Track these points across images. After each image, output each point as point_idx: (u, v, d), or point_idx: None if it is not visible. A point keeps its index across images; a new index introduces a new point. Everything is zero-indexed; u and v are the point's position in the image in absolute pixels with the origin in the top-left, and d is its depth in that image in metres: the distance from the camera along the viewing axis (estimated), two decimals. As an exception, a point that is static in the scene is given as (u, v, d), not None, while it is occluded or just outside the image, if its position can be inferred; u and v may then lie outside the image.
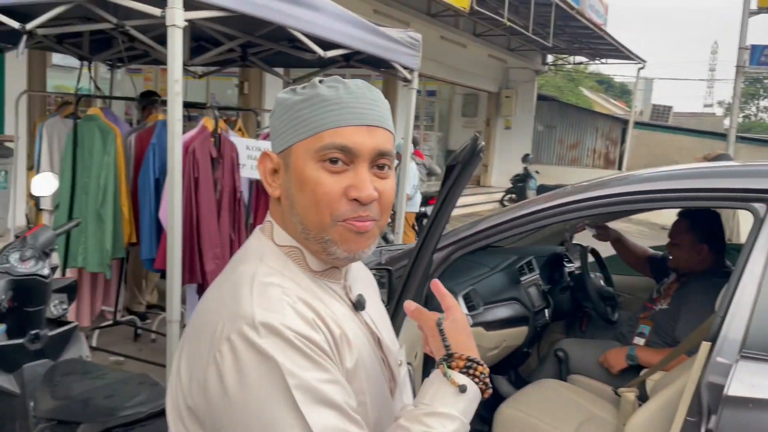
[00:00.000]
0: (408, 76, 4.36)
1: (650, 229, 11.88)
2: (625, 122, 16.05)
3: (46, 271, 2.31)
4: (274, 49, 4.45)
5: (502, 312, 2.66)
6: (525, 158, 13.79)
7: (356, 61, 4.59)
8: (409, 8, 11.39)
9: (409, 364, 1.71)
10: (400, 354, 1.06)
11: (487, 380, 0.90)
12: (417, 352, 2.05)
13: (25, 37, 3.11)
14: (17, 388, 2.34)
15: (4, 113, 6.14)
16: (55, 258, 3.80)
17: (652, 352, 2.53)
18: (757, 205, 1.90)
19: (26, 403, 2.33)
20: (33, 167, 3.92)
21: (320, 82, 0.91)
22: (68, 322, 2.51)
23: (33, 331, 2.33)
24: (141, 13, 2.88)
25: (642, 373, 2.47)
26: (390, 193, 0.91)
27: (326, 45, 3.73)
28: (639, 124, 16.80)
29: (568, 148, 17.32)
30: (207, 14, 2.89)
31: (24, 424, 2.32)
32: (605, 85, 37.64)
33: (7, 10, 3.13)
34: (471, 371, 0.89)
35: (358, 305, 0.97)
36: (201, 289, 3.44)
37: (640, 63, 14.81)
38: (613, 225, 3.33)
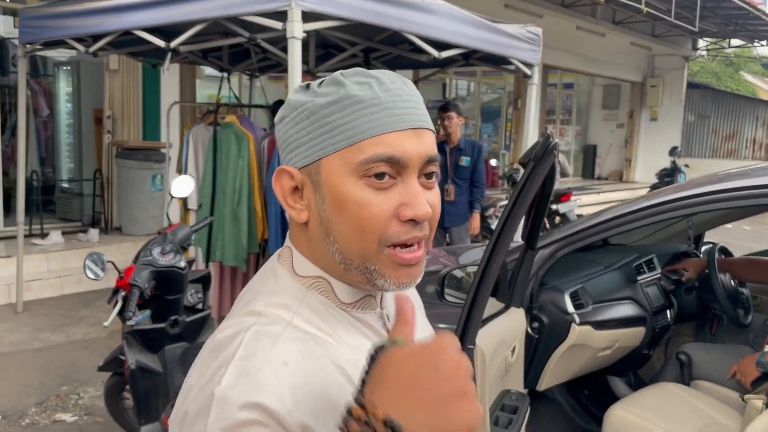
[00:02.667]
0: (527, 71, 4.31)
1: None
2: (792, 108, 14.49)
3: (182, 264, 2.60)
4: (394, 52, 4.60)
5: (615, 311, 2.58)
6: (672, 151, 12.85)
7: (475, 59, 4.62)
8: (542, 0, 11.11)
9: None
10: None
11: None
12: (515, 345, 2.06)
13: (170, 54, 3.50)
14: (160, 367, 2.65)
15: (160, 123, 6.85)
16: (195, 252, 4.21)
17: None
18: None
19: (167, 381, 2.64)
20: (181, 171, 4.37)
21: (343, 76, 0.76)
22: (202, 310, 2.80)
23: (173, 317, 2.63)
24: (268, 27, 3.14)
25: (772, 379, 2.28)
26: (439, 206, 0.78)
27: (443, 46, 3.80)
28: (808, 110, 15.08)
29: (724, 139, 15.92)
30: (324, 25, 3.08)
31: (164, 399, 2.63)
32: (772, 68, 34.00)
33: (156, 30, 3.54)
34: None
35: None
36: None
37: (808, 42, 13.27)
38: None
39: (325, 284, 0.78)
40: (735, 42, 15.53)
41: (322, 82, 0.77)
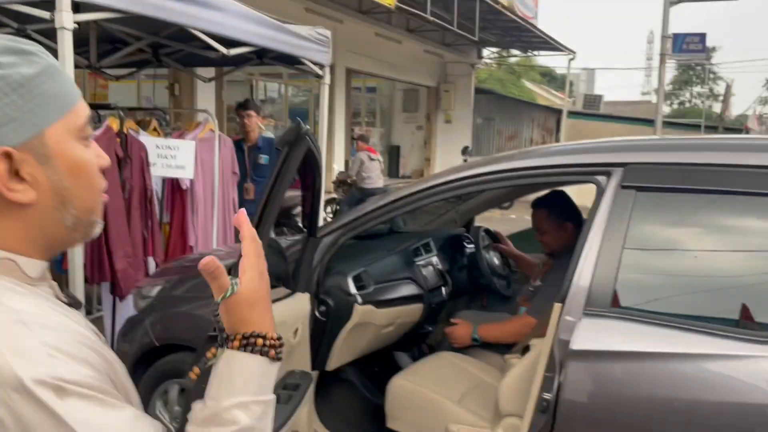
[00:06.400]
0: (319, 71, 4.48)
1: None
2: (560, 112, 16.57)
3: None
4: (185, 49, 4.51)
5: (395, 291, 2.81)
6: (465, 150, 14.10)
7: (269, 58, 4.68)
8: (341, 6, 11.50)
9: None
10: None
11: (275, 343, 0.80)
12: (298, 328, 2.18)
13: None
14: None
15: None
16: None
17: (490, 327, 2.74)
18: (599, 178, 2.09)
19: None
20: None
21: (19, 44, 0.74)
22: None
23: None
24: (39, 19, 2.92)
25: (522, 339, 2.65)
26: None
27: (233, 44, 3.82)
28: (573, 114, 17.35)
29: (507, 139, 17.75)
30: (98, 16, 2.94)
31: None
32: (548, 77, 38.47)
33: None
34: (249, 347, 0.79)
35: (76, 303, 0.83)
36: (113, 288, 3.49)
37: (569, 54, 15.30)
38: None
39: (11, 264, 0.75)
40: (515, 52, 17.37)
41: (13, 54, 0.73)
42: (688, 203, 2.01)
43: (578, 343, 1.91)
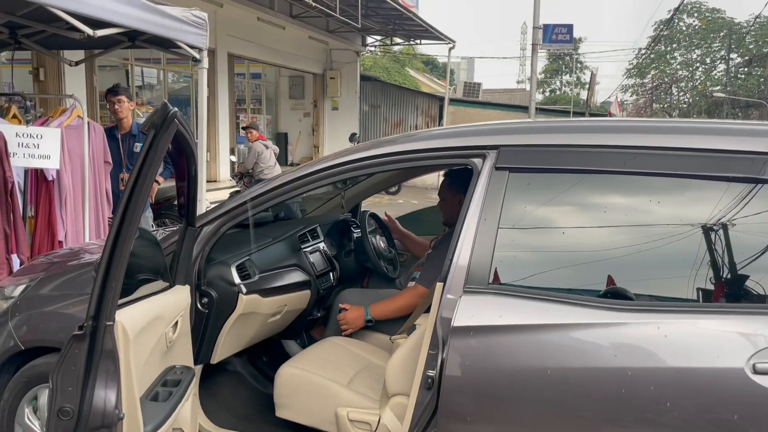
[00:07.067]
0: (196, 55, 4.30)
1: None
2: (442, 99, 17.03)
3: None
4: (48, 30, 4.18)
5: (281, 278, 2.77)
6: (352, 137, 14.11)
7: (142, 41, 4.44)
8: (220, -11, 11.11)
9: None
10: None
11: None
12: (177, 321, 2.08)
13: None
14: None
15: None
16: None
17: (382, 304, 2.79)
18: (475, 160, 2.16)
19: None
20: None
21: None
22: None
23: None
24: None
25: (409, 318, 2.71)
26: None
27: (101, 25, 3.58)
28: (454, 101, 17.89)
29: (393, 126, 18.00)
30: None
31: None
32: (430, 65, 39.34)
33: None
34: None
35: None
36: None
37: (450, 43, 15.71)
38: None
39: None
40: (397, 40, 17.60)
41: None
42: (556, 182, 2.13)
43: (459, 319, 1.97)
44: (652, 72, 35.86)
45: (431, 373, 1.98)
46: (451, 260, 2.06)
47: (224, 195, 9.01)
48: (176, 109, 1.28)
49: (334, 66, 16.72)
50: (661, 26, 32.91)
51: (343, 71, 16.67)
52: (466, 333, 1.97)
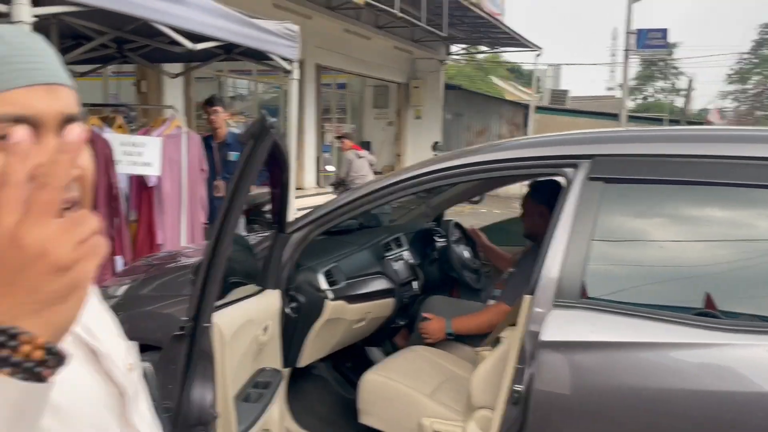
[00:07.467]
0: (288, 67, 4.44)
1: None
2: (527, 107, 16.75)
3: None
4: (152, 44, 4.43)
5: (366, 286, 2.80)
6: (435, 146, 14.12)
7: (237, 53, 4.63)
8: (309, 1, 11.42)
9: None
10: (129, 357, 0.84)
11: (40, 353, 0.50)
12: (268, 325, 2.15)
13: None
14: None
15: None
16: None
17: (464, 318, 2.75)
18: (567, 170, 2.11)
19: None
20: None
21: None
22: None
23: None
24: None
25: (494, 331, 2.67)
26: (92, 168, 0.70)
27: (199, 39, 3.76)
28: (540, 109, 17.56)
29: (476, 135, 17.87)
30: (58, 9, 2.87)
31: None
32: (515, 73, 38.81)
33: None
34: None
35: None
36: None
37: (536, 50, 15.44)
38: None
39: None
40: (482, 48, 17.50)
41: None
42: (654, 194, 2.04)
43: (548, 334, 1.92)
44: (755, 77, 33.81)
45: (518, 387, 1.94)
46: (540, 273, 2.01)
47: (311, 201, 9.20)
48: (274, 119, 1.32)
49: (418, 75, 16.79)
50: (766, 29, 30.98)
51: (426, 80, 16.72)
52: (555, 348, 1.92)
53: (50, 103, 0.66)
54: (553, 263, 2.00)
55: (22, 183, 0.50)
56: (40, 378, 0.49)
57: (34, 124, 0.64)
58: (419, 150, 16.06)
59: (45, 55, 0.68)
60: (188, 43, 3.60)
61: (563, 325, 1.93)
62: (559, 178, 2.19)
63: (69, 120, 0.67)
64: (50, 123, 0.65)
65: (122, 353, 0.82)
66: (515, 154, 2.28)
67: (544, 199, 2.80)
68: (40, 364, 0.49)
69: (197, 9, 3.55)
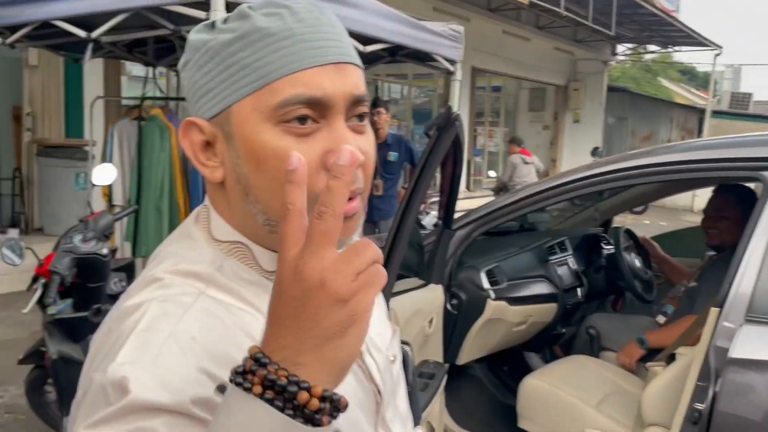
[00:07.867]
0: (451, 68, 4.46)
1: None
2: (702, 111, 15.42)
3: (105, 251, 2.58)
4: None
5: (528, 288, 2.73)
6: (594, 151, 13.44)
7: (401, 55, 4.73)
8: (468, 4, 11.43)
9: (406, 344, 1.79)
10: (392, 348, 0.81)
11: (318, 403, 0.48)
12: (433, 318, 2.17)
13: (90, 45, 3.44)
14: (83, 357, 2.62)
15: (83, 120, 6.67)
16: (121, 246, 4.15)
17: (660, 332, 2.55)
18: (766, 173, 1.92)
19: (91, 369, 2.61)
20: (105, 166, 4.28)
21: (251, 8, 0.64)
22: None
23: (95, 306, 2.61)
24: (193, 18, 3.13)
25: (668, 347, 2.48)
26: (373, 153, 0.68)
27: (368, 41, 3.90)
28: (717, 113, 16.08)
29: (641, 140, 16.78)
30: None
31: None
32: (688, 75, 36.00)
33: (76, 21, 3.47)
34: (275, 390, 0.47)
35: None
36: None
37: (715, 49, 14.18)
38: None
39: (245, 250, 0.68)
40: (651, 48, 16.42)
41: (227, 18, 0.66)
42: None
43: (738, 351, 1.76)
44: None
45: (699, 406, 1.80)
46: (731, 284, 1.85)
47: (460, 205, 9.13)
48: (459, 113, 1.34)
49: (578, 77, 16.14)
50: None
51: (587, 82, 16.02)
52: (746, 366, 1.76)
53: (340, 84, 0.63)
54: (747, 275, 1.83)
55: (303, 212, 0.50)
56: (316, 423, 0.47)
57: (323, 105, 0.62)
58: (576, 155, 15.42)
59: (335, 32, 0.65)
60: (360, 46, 3.73)
61: (756, 342, 1.76)
62: (753, 183, 2.00)
63: (357, 101, 0.65)
64: (339, 105, 0.63)
65: (386, 341, 0.79)
66: (702, 155, 2.11)
67: (735, 205, 2.56)
68: (318, 412, 0.47)
69: (368, 12, 3.68)
